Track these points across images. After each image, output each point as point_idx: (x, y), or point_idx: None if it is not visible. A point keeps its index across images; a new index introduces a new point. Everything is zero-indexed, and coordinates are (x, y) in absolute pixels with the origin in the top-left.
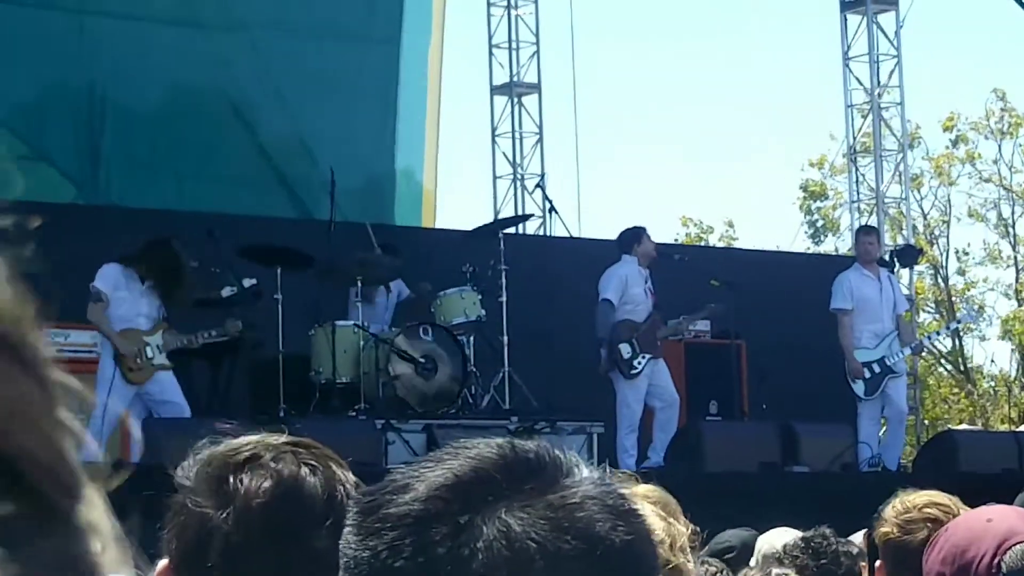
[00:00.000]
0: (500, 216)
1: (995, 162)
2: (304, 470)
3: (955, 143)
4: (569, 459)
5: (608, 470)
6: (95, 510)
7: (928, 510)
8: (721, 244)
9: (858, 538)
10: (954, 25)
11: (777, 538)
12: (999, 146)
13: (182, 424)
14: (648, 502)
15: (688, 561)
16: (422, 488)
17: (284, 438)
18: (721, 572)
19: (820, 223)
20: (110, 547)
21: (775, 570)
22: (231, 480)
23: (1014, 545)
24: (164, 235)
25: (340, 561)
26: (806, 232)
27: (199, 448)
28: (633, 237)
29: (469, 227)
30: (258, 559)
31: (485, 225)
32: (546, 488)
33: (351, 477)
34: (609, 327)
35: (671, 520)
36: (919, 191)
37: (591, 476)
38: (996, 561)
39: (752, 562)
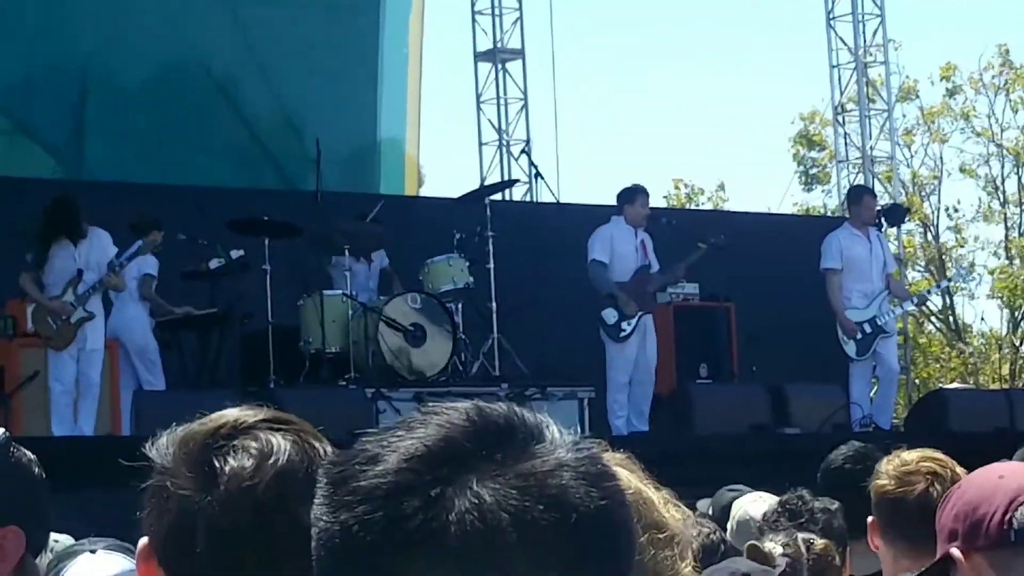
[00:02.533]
0: (486, 183)
1: (989, 116)
2: (285, 445)
3: (951, 93)
4: (539, 422)
5: (580, 434)
6: None
7: (926, 463)
8: (710, 206)
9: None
10: None
11: (750, 504)
12: (991, 102)
13: (173, 397)
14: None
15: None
16: (392, 459)
17: (261, 413)
18: (714, 532)
19: (814, 171)
20: None
21: (800, 535)
22: (214, 462)
23: None
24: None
25: (312, 532)
26: (799, 180)
27: (173, 427)
28: (626, 197)
29: (456, 194)
30: (246, 539)
31: (471, 192)
32: (518, 455)
33: (329, 449)
34: (608, 283)
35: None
36: (910, 148)
37: (563, 440)
38: (1008, 517)
39: (727, 528)
